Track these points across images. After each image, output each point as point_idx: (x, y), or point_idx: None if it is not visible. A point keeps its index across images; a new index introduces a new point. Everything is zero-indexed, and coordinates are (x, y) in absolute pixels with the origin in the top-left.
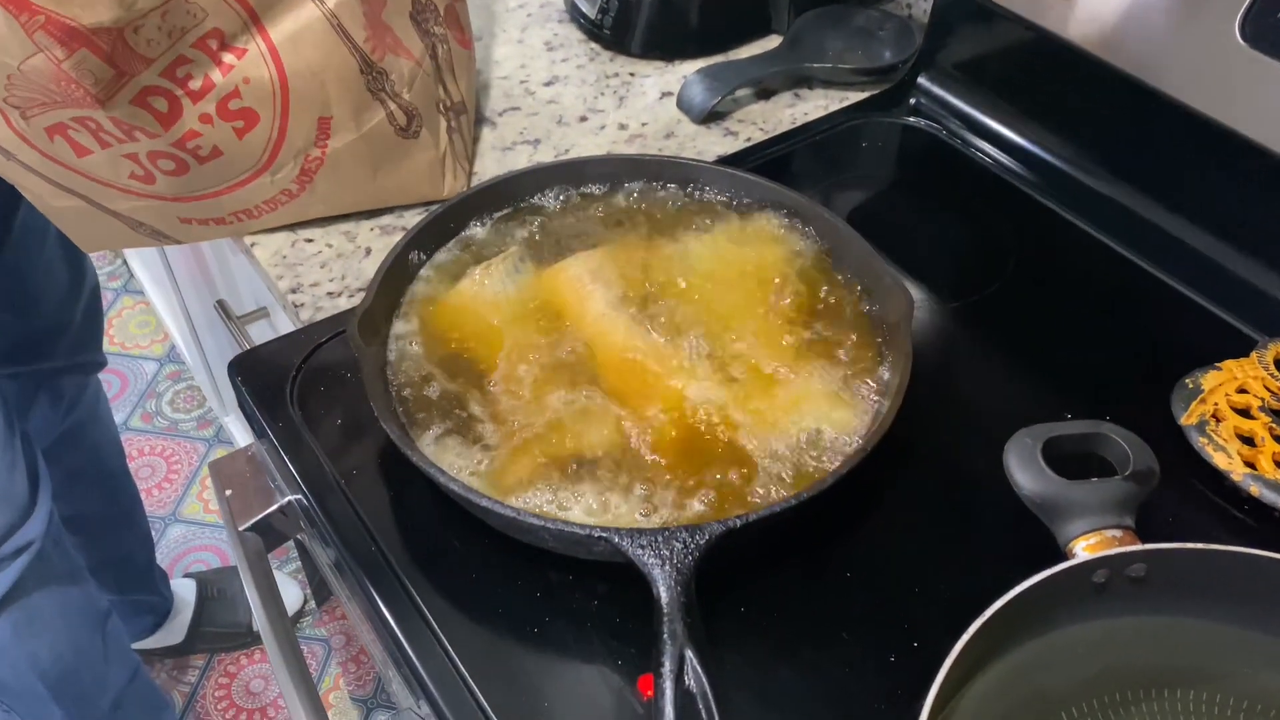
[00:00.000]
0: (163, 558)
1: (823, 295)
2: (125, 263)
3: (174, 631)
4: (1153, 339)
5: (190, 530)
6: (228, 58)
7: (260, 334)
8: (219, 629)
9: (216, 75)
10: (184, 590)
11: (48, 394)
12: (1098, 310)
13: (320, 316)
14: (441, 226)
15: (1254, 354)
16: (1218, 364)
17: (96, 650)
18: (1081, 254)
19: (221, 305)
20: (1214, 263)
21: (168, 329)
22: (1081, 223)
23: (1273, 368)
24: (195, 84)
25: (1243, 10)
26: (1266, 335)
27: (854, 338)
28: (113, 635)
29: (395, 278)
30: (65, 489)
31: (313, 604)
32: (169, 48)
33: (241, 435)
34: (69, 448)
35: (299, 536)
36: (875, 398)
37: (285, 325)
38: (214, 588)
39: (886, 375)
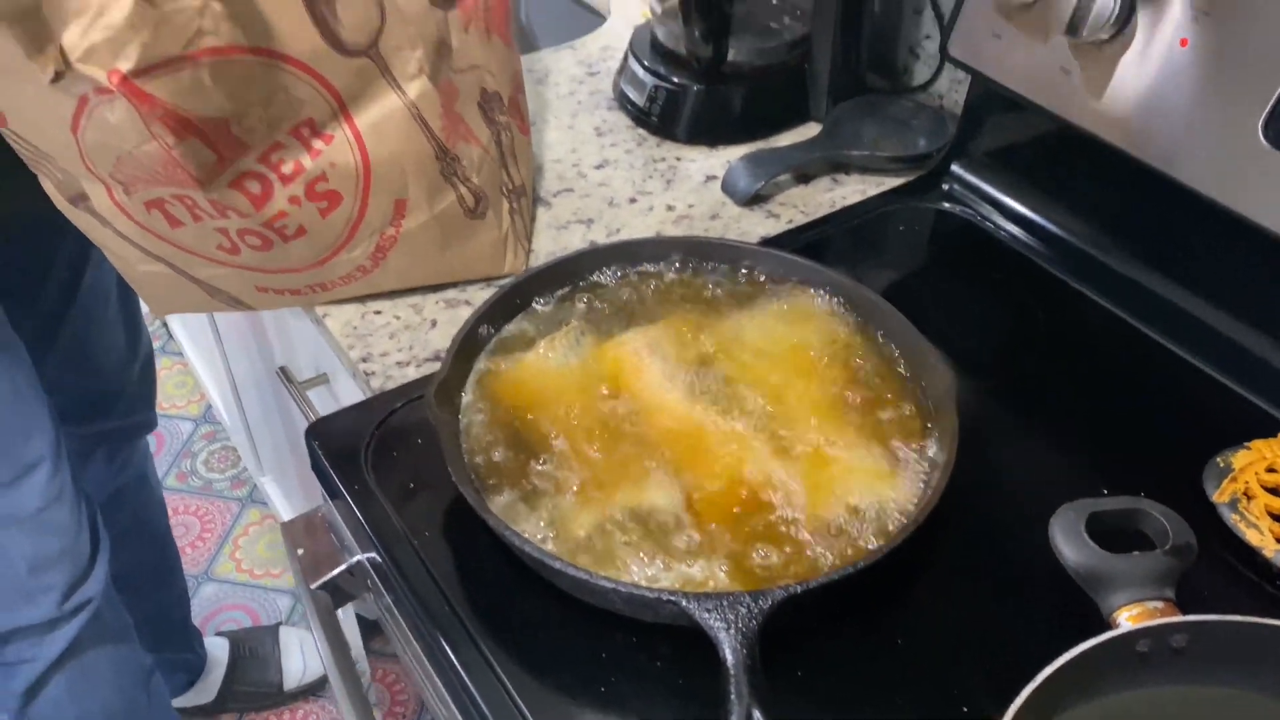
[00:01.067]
0: (195, 616)
1: (869, 372)
2: (164, 324)
3: (206, 690)
4: (1183, 417)
5: (222, 589)
6: (317, 144)
7: (319, 399)
8: (251, 688)
9: (306, 160)
10: (216, 649)
11: (103, 453)
12: (1129, 388)
13: (390, 385)
14: (508, 302)
15: None
16: (1247, 443)
17: (143, 708)
18: (1111, 335)
19: (284, 371)
20: (1240, 346)
21: (205, 390)
22: (1110, 305)
23: None
24: (287, 168)
25: (1266, 112)
26: None
27: (900, 412)
28: (156, 693)
29: (466, 349)
30: (114, 547)
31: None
32: (267, 135)
33: (278, 496)
34: (118, 506)
35: (365, 595)
36: (922, 469)
37: (345, 391)
38: (246, 646)
39: (933, 449)
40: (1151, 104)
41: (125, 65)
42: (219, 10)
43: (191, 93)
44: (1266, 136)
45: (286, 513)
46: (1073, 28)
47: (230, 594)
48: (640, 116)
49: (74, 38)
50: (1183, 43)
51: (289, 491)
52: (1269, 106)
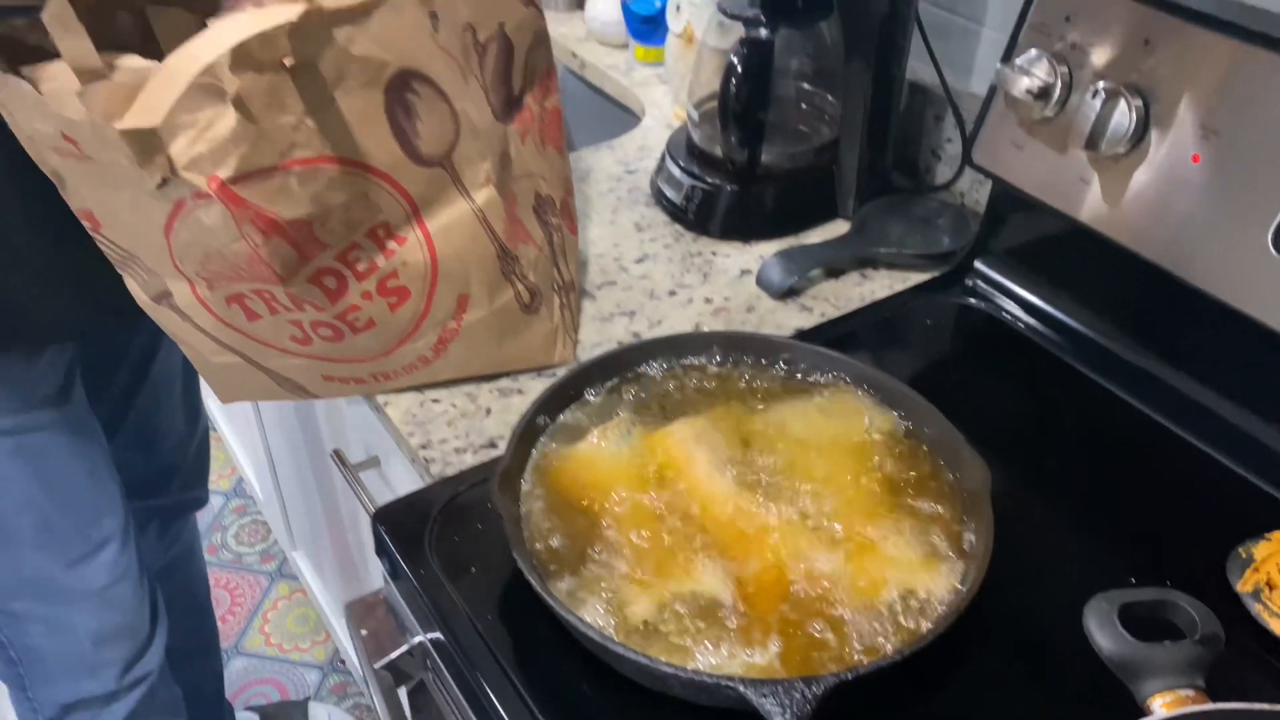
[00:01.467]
0: (225, 690)
1: (906, 464)
2: None
3: None
4: (1204, 507)
5: (252, 663)
6: (391, 244)
7: (371, 481)
8: None
9: (380, 259)
10: None
11: (156, 527)
12: (1150, 479)
13: (449, 470)
14: (563, 392)
15: None
16: (1267, 534)
17: None
18: (1131, 427)
19: (338, 454)
20: (1255, 439)
21: (238, 464)
22: (1129, 397)
23: None
24: (362, 266)
25: (1275, 224)
26: None
27: (937, 503)
28: None
29: (526, 438)
30: None
31: None
32: (346, 236)
33: (309, 570)
34: (167, 580)
35: (424, 676)
36: (960, 559)
37: (395, 474)
38: None
39: (970, 539)
40: (1166, 212)
41: (225, 173)
42: (311, 126)
43: (281, 197)
44: (1276, 246)
45: (319, 587)
46: (1091, 142)
47: (259, 668)
48: (677, 213)
49: (181, 148)
50: (1194, 158)
51: (321, 566)
52: (1278, 220)
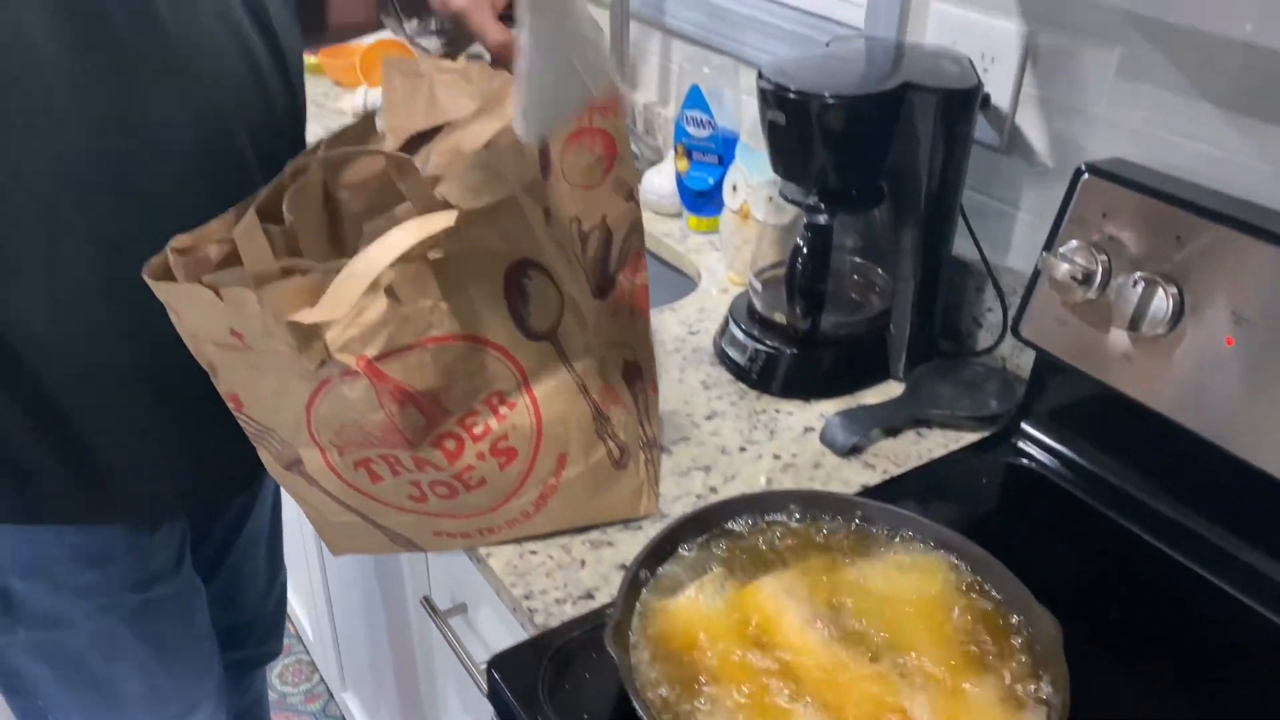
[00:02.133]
0: None
1: (982, 617)
2: None
3: None
4: (1254, 660)
5: None
6: (503, 410)
7: (459, 628)
8: None
9: (494, 423)
10: None
11: (232, 678)
12: (1204, 632)
13: (552, 620)
14: (660, 548)
15: None
16: None
17: None
18: (1176, 582)
19: (427, 601)
20: None
21: (290, 605)
22: (1172, 551)
23: None
24: (478, 429)
25: None
26: None
27: (1013, 656)
28: None
29: (632, 593)
30: None
31: None
32: (466, 403)
33: (359, 711)
34: None
35: None
36: (1040, 708)
37: (484, 621)
38: None
39: (1046, 690)
40: (1203, 387)
41: (372, 352)
42: (445, 308)
43: (416, 371)
44: None
45: None
46: (1132, 324)
47: None
48: (741, 373)
49: (336, 333)
50: (1228, 341)
51: (376, 708)
52: None
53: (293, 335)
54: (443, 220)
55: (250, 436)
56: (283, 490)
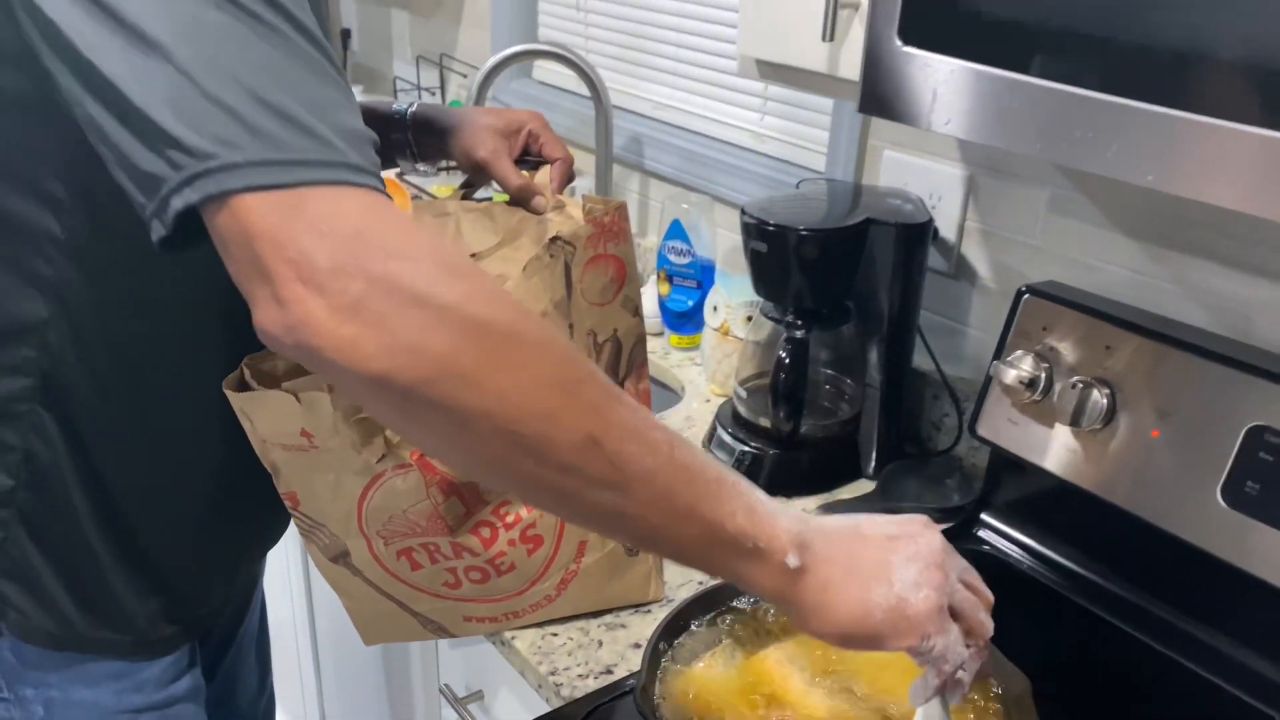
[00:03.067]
0: None
1: None
2: None
3: None
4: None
5: None
6: None
7: (476, 713)
8: None
9: (524, 512)
10: None
11: None
12: (1149, 697)
13: (577, 693)
14: (675, 624)
15: None
16: None
17: None
18: (1123, 650)
19: (448, 688)
20: (1228, 656)
21: None
22: (1119, 623)
23: None
24: (510, 518)
25: (1220, 484)
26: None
27: (989, 707)
28: None
29: (654, 662)
30: None
31: None
32: (500, 496)
33: None
34: None
35: None
36: None
37: (503, 706)
38: None
39: None
40: (1137, 473)
41: None
42: None
43: None
44: (1223, 499)
45: None
46: (1074, 421)
47: None
48: None
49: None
50: (1154, 433)
51: None
52: (1222, 479)
53: (357, 432)
54: None
55: (302, 532)
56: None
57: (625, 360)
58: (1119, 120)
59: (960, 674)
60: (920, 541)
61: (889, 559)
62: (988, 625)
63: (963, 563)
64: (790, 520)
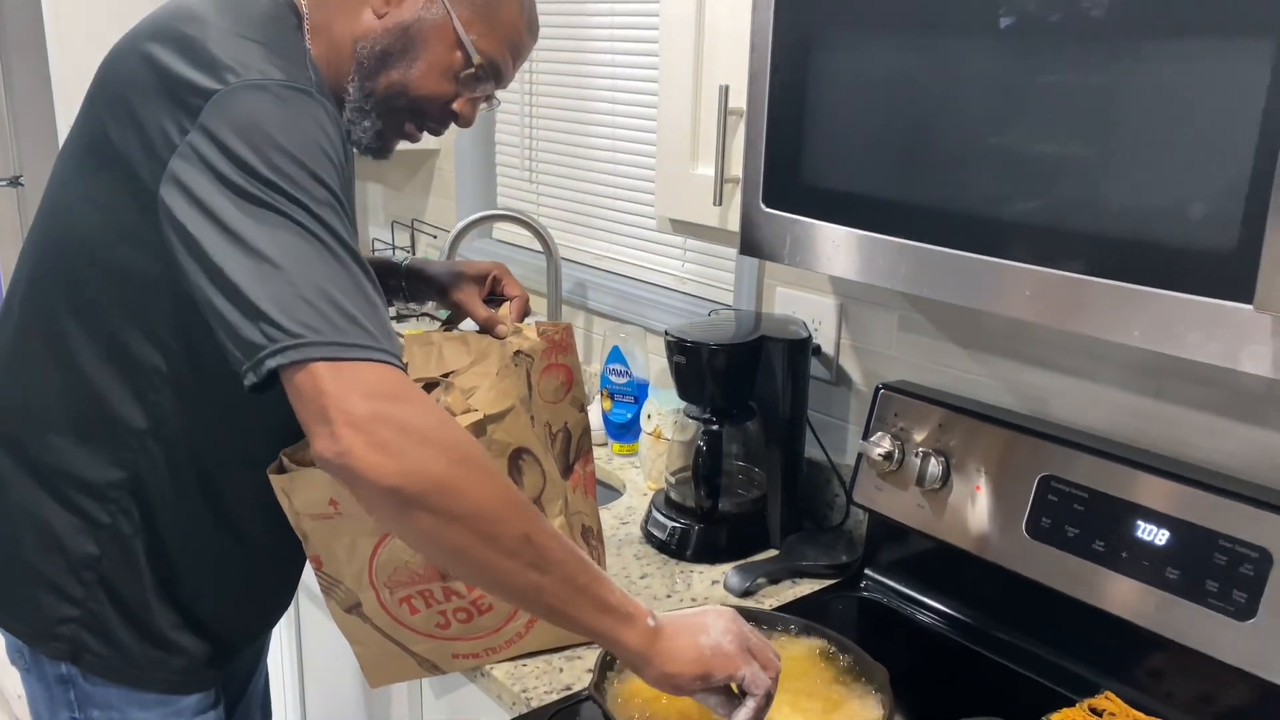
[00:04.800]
0: None
1: (842, 669)
2: None
3: None
4: (1028, 708)
5: None
6: None
7: None
8: None
9: None
10: None
11: None
12: (996, 699)
13: (545, 702)
14: None
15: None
16: (1051, 715)
17: None
18: (974, 666)
19: None
20: (1045, 659)
21: None
22: (977, 648)
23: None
24: None
25: (1024, 520)
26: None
27: (864, 692)
28: None
29: (603, 668)
30: None
31: None
32: None
33: None
34: None
35: None
36: (879, 706)
37: None
38: None
39: (882, 696)
40: (969, 520)
41: None
42: None
43: None
44: (1027, 532)
45: None
46: (919, 482)
47: None
48: (662, 546)
49: None
50: (978, 488)
51: None
52: (1024, 518)
53: None
54: (467, 420)
55: (323, 589)
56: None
57: (574, 447)
58: (919, 258)
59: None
60: (721, 612)
61: (704, 621)
62: (776, 660)
63: (749, 625)
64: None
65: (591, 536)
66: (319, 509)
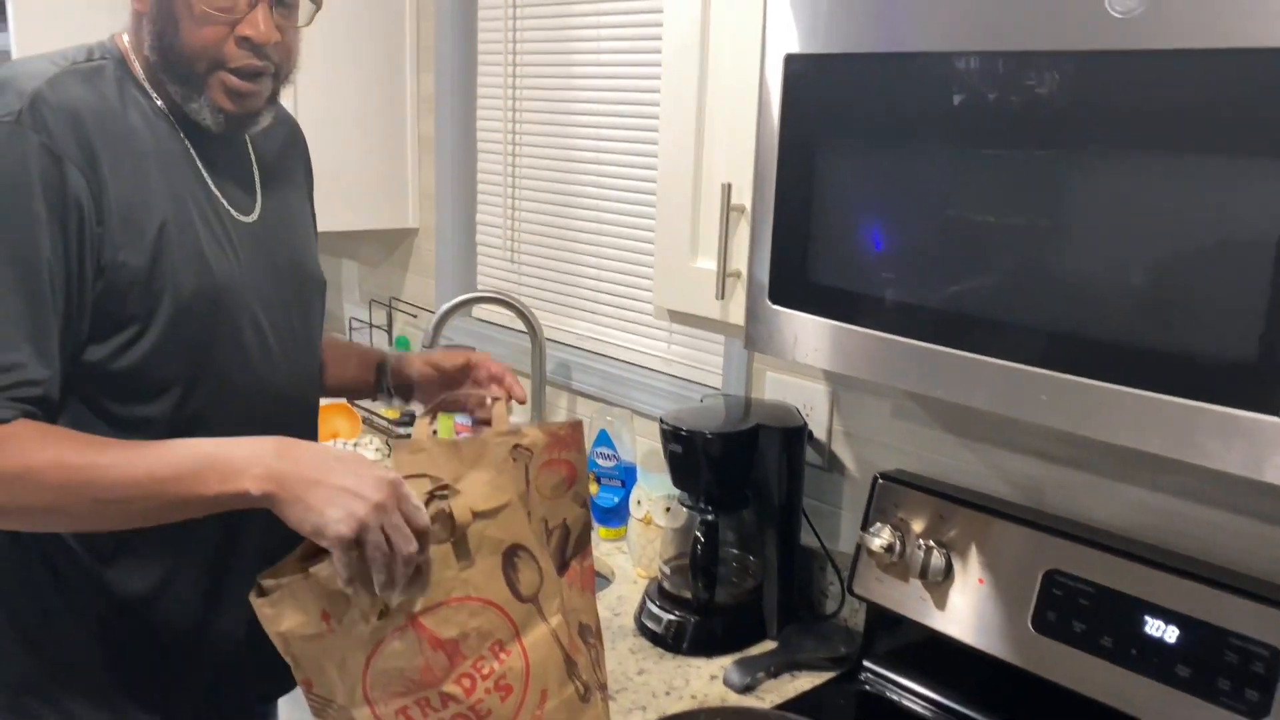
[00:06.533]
0: None
1: None
2: None
3: None
4: None
5: None
6: (503, 655)
7: None
8: None
9: (496, 665)
10: None
11: None
12: None
13: None
14: None
15: None
16: None
17: None
18: None
19: None
20: None
21: None
22: None
23: None
24: (485, 670)
25: (1030, 615)
26: None
27: None
28: None
29: None
30: None
31: None
32: (477, 649)
33: None
34: None
35: None
36: None
37: None
38: None
39: None
40: (975, 613)
41: (418, 609)
42: (464, 577)
43: (445, 623)
44: (1033, 627)
45: None
46: (922, 575)
47: None
48: (658, 639)
49: (394, 597)
50: (980, 581)
51: None
52: (1029, 613)
53: (366, 597)
54: (460, 520)
55: (314, 712)
56: None
57: (573, 543)
58: (917, 355)
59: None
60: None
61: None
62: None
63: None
64: None
65: (590, 635)
66: (311, 629)
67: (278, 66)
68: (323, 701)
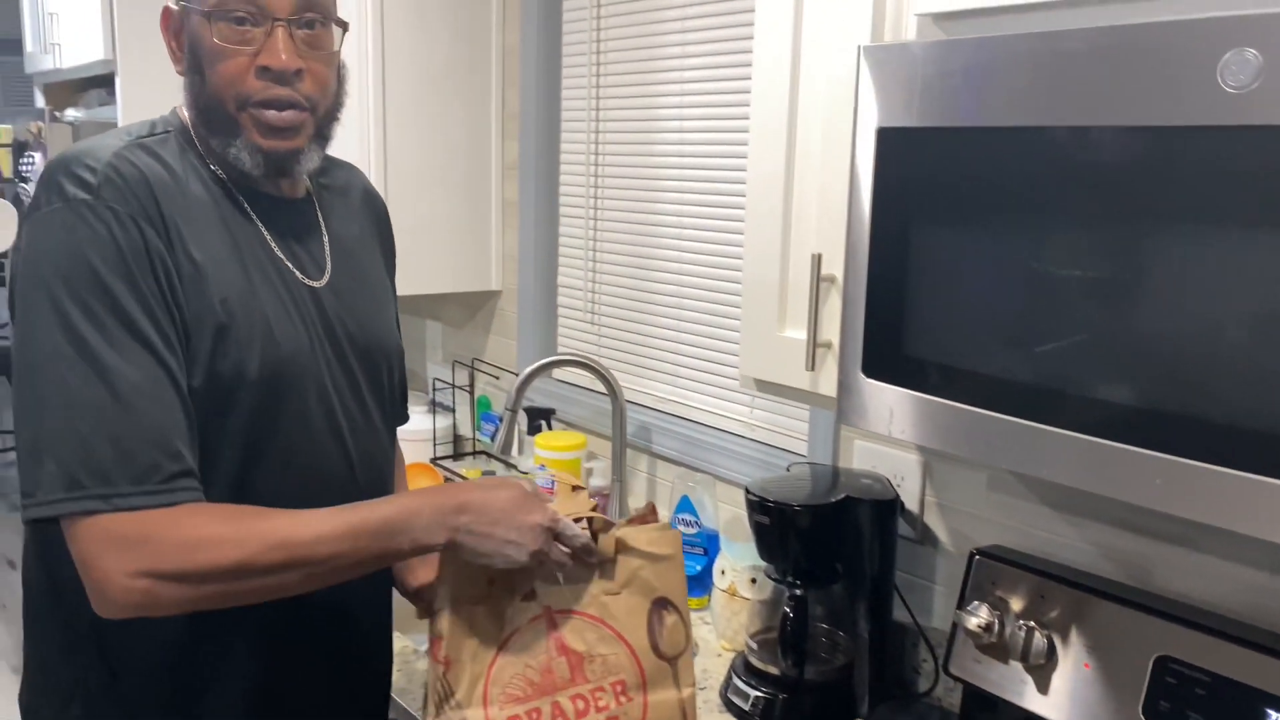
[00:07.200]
0: None
1: None
2: None
3: None
4: None
5: None
6: (624, 698)
7: None
8: None
9: (614, 704)
10: None
11: None
12: None
13: None
14: None
15: None
16: None
17: None
18: None
19: None
20: None
21: None
22: None
23: None
24: (602, 702)
25: (1141, 702)
26: None
27: None
28: None
29: None
30: None
31: None
32: (600, 678)
33: None
34: None
35: None
36: None
37: None
38: None
39: None
40: (1077, 700)
41: (554, 602)
42: (603, 598)
43: (575, 634)
44: (1145, 717)
45: None
46: (1022, 657)
47: None
48: (745, 716)
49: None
50: (1086, 665)
51: None
52: (1141, 700)
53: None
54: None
55: (435, 704)
56: None
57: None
58: (1019, 434)
59: None
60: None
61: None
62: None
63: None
64: None
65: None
66: (479, 589)
67: (311, 100)
68: (446, 690)
